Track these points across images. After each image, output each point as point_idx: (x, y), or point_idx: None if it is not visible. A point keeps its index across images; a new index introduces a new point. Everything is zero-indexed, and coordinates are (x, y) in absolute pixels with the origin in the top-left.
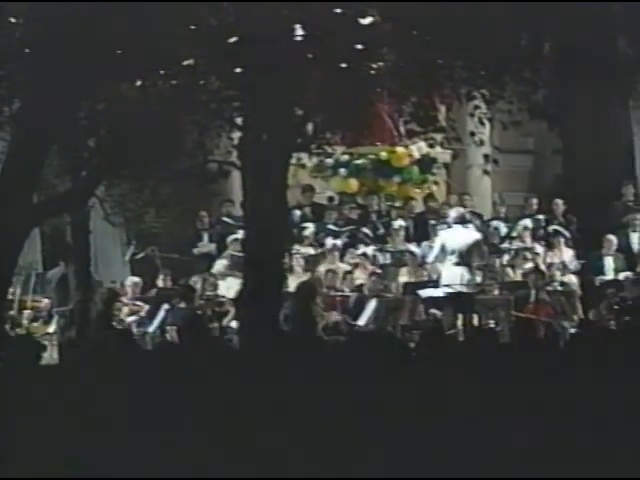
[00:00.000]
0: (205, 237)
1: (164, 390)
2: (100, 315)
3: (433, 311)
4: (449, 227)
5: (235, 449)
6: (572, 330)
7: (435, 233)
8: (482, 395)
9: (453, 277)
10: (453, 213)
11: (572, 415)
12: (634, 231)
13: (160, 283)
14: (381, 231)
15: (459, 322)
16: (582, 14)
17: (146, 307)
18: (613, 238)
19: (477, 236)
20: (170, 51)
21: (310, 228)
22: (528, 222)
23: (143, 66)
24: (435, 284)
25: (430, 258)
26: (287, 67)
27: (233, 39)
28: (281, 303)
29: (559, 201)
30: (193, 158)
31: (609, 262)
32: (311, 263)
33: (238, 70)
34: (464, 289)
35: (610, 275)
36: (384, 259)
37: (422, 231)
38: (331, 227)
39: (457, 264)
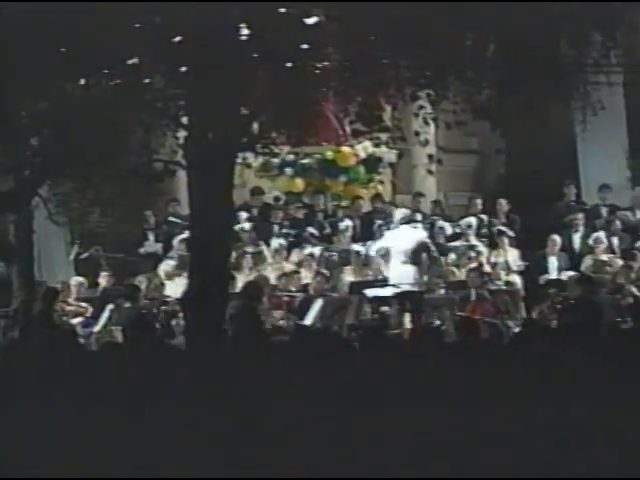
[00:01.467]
0: (151, 237)
1: (108, 389)
2: (40, 314)
3: (380, 310)
4: (395, 227)
5: (177, 447)
6: (516, 329)
7: (381, 233)
8: (425, 393)
9: (399, 276)
10: (399, 214)
11: (510, 410)
12: (576, 231)
13: (105, 283)
14: (327, 231)
15: (405, 321)
16: (525, 15)
17: (91, 308)
18: (557, 237)
19: (423, 236)
20: (114, 50)
21: (256, 228)
22: (472, 221)
23: (87, 65)
24: (381, 283)
25: (372, 252)
26: (232, 66)
27: (178, 38)
28: (227, 303)
29: (503, 201)
30: (138, 157)
31: (553, 261)
32: (257, 263)
33: (183, 69)
34: (410, 288)
35: (554, 274)
36: (330, 258)
37: (368, 231)
38: (277, 227)
39: (403, 263)
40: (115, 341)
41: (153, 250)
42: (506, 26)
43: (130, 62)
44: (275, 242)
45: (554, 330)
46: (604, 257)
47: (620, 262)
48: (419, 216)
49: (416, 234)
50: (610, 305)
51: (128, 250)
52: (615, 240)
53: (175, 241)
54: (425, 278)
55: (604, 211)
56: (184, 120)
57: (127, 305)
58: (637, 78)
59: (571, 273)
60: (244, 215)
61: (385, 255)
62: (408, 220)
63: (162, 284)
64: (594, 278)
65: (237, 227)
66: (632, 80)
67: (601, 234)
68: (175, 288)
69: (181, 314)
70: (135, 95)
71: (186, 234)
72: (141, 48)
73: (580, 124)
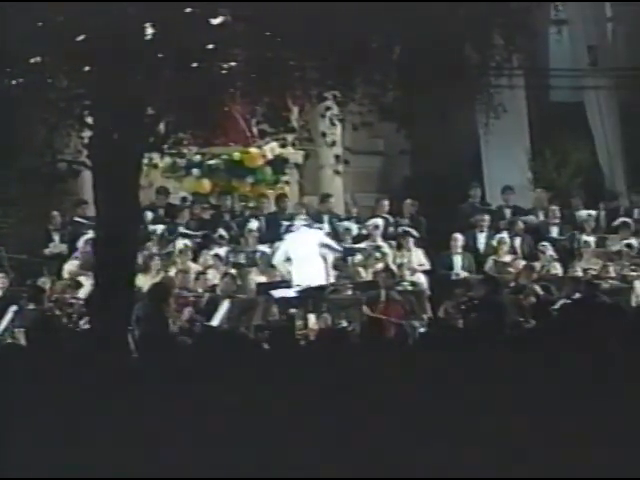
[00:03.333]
0: (56, 238)
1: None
2: None
3: (287, 311)
4: (302, 228)
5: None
6: (421, 329)
7: (287, 234)
8: (332, 393)
9: (306, 277)
10: (304, 214)
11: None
12: (480, 232)
13: (7, 284)
14: (234, 231)
15: (312, 322)
16: (429, 18)
17: None
18: (459, 236)
19: (329, 237)
20: (17, 48)
21: (163, 228)
22: (379, 222)
23: None
24: (288, 284)
25: (275, 260)
26: (137, 66)
27: (81, 37)
28: (133, 304)
29: (408, 202)
30: (41, 157)
31: (457, 261)
32: (164, 264)
33: (87, 68)
34: (316, 289)
35: (459, 274)
36: (237, 259)
37: (275, 232)
38: (184, 228)
39: (310, 264)
40: (17, 343)
41: (58, 251)
42: (411, 28)
43: (33, 61)
44: (182, 243)
45: (458, 330)
46: (507, 258)
47: (523, 262)
48: (326, 217)
49: (322, 235)
50: (513, 305)
51: (32, 251)
52: (518, 241)
53: (80, 242)
54: (332, 279)
55: (507, 212)
56: (89, 120)
57: (31, 307)
58: (538, 81)
59: (475, 273)
60: (150, 216)
61: (291, 256)
62: (314, 221)
63: (68, 285)
64: (498, 278)
65: (149, 228)
66: (533, 83)
67: (504, 235)
68: (80, 289)
69: (86, 316)
70: (38, 94)
71: (91, 234)
72: (44, 47)
73: (483, 126)
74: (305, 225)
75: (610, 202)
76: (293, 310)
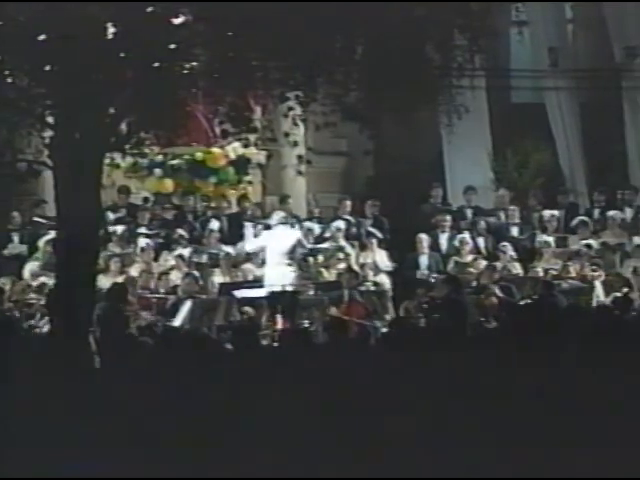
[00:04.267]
0: (16, 238)
1: None
2: None
3: (248, 311)
4: (269, 228)
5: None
6: (383, 329)
7: (249, 234)
8: (294, 394)
9: (269, 277)
10: (275, 215)
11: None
12: (443, 232)
13: None
14: (197, 232)
15: (275, 322)
16: (392, 18)
17: None
18: (424, 237)
19: (292, 237)
20: None
21: (124, 228)
22: (341, 223)
23: None
24: (250, 284)
25: (248, 247)
26: (99, 65)
27: (42, 36)
28: (93, 304)
29: (371, 202)
30: (1, 157)
31: (423, 261)
32: (125, 264)
33: (48, 68)
34: (279, 289)
35: (423, 274)
36: (199, 260)
37: (237, 232)
38: (145, 228)
39: (272, 264)
40: None
41: (18, 251)
42: (374, 29)
43: None
44: (144, 243)
45: (420, 330)
46: (469, 258)
47: (484, 263)
48: (287, 217)
49: (289, 236)
50: (474, 305)
51: None
52: (479, 241)
53: (41, 242)
54: (295, 279)
55: (469, 212)
56: (50, 119)
57: None
58: (500, 82)
59: (438, 273)
60: (112, 216)
61: (255, 256)
62: (282, 222)
63: (28, 286)
64: (459, 278)
65: (110, 229)
66: (495, 84)
67: (466, 235)
68: (42, 289)
69: (47, 316)
70: None
71: (52, 235)
72: (4, 46)
73: (446, 127)
74: (282, 223)
75: (570, 202)
76: (256, 310)
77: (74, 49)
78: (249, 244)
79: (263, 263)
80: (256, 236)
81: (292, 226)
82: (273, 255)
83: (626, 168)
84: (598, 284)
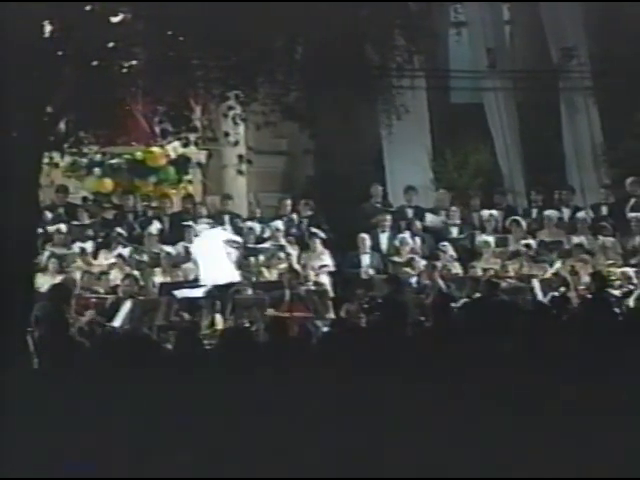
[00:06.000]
0: None
1: None
2: None
3: (187, 311)
4: (204, 228)
5: None
6: (324, 328)
7: (190, 234)
8: (235, 393)
9: (209, 277)
10: (205, 217)
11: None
12: (383, 231)
13: None
14: (137, 231)
15: (215, 321)
16: (332, 18)
17: None
18: (366, 236)
19: (231, 237)
20: None
21: (63, 228)
22: (282, 223)
23: None
24: (191, 284)
25: (182, 252)
26: (37, 64)
27: None
28: (32, 304)
29: (311, 202)
30: None
31: (365, 260)
32: (65, 264)
33: None
34: (220, 289)
35: (364, 274)
36: (140, 260)
37: (177, 231)
38: (84, 227)
39: (213, 264)
40: None
41: None
42: (314, 29)
43: None
44: (83, 243)
45: (361, 329)
46: (409, 257)
47: (424, 262)
48: (227, 217)
49: (225, 232)
50: (414, 304)
51: None
52: (419, 241)
53: None
54: (235, 279)
55: (409, 212)
56: None
57: None
58: (439, 83)
59: (378, 273)
60: (50, 215)
61: (194, 256)
62: (216, 221)
63: None
64: (399, 278)
65: (49, 228)
66: (434, 84)
67: (407, 235)
68: None
69: None
70: None
71: None
72: None
73: (386, 127)
74: (207, 227)
75: (508, 202)
76: (196, 310)
77: (11, 47)
78: (186, 245)
79: (202, 263)
80: (194, 236)
81: (225, 227)
82: (209, 255)
83: (563, 168)
84: (536, 283)
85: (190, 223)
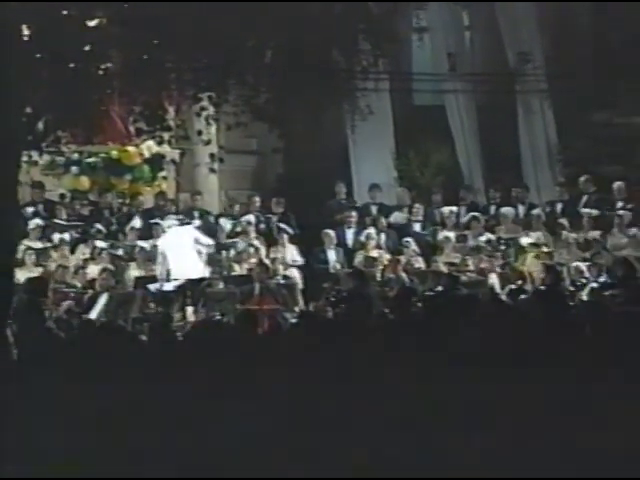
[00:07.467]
0: None
1: None
2: None
3: (160, 304)
4: (177, 224)
5: None
6: (293, 320)
7: (163, 229)
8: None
9: (183, 271)
10: (174, 214)
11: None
12: (349, 227)
13: None
14: (114, 227)
15: (187, 314)
16: (300, 21)
17: None
18: (331, 232)
19: (202, 238)
20: None
21: (41, 224)
22: (251, 218)
23: None
24: (165, 278)
25: (156, 247)
26: (15, 65)
27: None
28: (10, 298)
29: (280, 199)
30: None
31: (331, 255)
32: (42, 258)
33: None
34: (192, 283)
35: (331, 268)
36: (115, 254)
37: (151, 227)
38: (62, 222)
39: (185, 259)
40: None
41: None
42: (282, 31)
43: None
44: (60, 238)
45: (328, 321)
46: (374, 252)
47: (388, 257)
48: (197, 213)
49: (193, 230)
50: (379, 297)
51: None
52: (383, 236)
53: None
54: (207, 273)
55: (374, 209)
56: None
57: None
58: (402, 85)
59: (344, 267)
60: (29, 211)
61: (167, 253)
62: (188, 217)
63: None
64: (364, 272)
65: (31, 223)
66: (398, 87)
67: (372, 231)
68: None
69: None
70: None
71: None
72: None
73: (351, 127)
74: (177, 222)
75: (468, 199)
76: (169, 303)
77: None
78: (156, 242)
79: (172, 258)
80: (162, 232)
81: (197, 221)
82: (179, 251)
83: (520, 167)
84: (494, 277)
85: (157, 220)
